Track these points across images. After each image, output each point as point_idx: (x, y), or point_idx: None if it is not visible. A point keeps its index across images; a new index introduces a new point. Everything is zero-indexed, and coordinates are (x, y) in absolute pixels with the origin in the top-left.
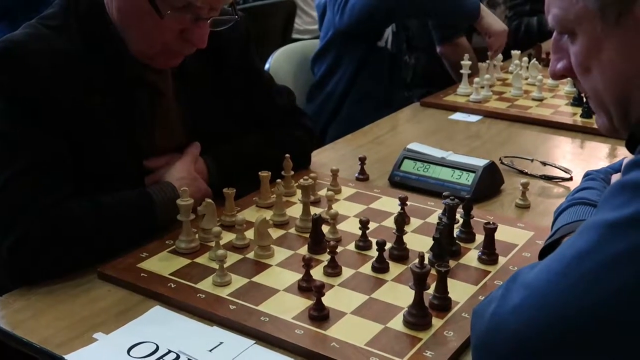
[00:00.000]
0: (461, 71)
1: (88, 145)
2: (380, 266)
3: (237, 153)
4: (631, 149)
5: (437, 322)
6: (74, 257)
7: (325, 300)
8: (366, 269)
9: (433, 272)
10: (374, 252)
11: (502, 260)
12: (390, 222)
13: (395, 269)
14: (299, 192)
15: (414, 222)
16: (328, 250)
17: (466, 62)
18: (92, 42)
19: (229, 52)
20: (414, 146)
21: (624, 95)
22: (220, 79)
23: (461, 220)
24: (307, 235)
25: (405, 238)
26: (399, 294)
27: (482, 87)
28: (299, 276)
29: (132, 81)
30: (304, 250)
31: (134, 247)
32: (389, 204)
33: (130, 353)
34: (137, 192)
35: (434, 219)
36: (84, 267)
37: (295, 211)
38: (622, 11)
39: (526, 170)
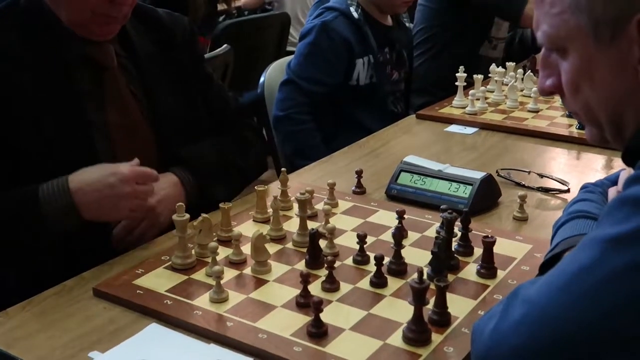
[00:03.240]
0: (456, 83)
1: (31, 128)
2: (379, 281)
3: (208, 163)
4: (628, 162)
5: (436, 338)
6: None
7: (324, 316)
8: (364, 284)
9: (432, 286)
10: (372, 267)
11: (501, 274)
12: (387, 236)
13: (393, 283)
14: (295, 206)
15: (412, 235)
16: (326, 265)
17: (461, 75)
18: (29, 28)
19: (174, 39)
20: (411, 159)
21: (617, 112)
22: (169, 65)
23: (459, 234)
24: (305, 250)
25: (403, 252)
26: (397, 310)
27: (478, 99)
28: (297, 292)
29: (72, 58)
30: (301, 266)
31: (33, 255)
32: (386, 217)
33: None
34: (27, 188)
35: (431, 232)
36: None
37: (292, 226)
38: (616, 30)
39: (523, 183)
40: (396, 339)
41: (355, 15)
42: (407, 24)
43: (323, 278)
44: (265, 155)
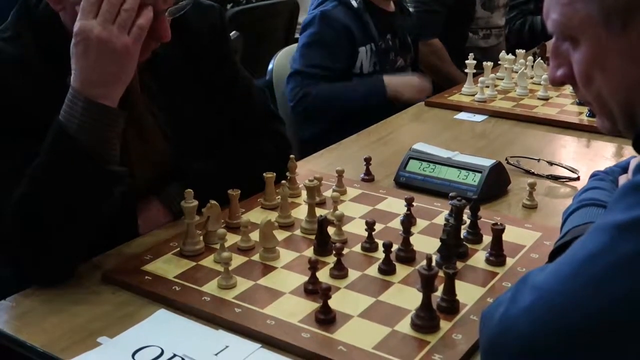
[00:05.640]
0: (466, 70)
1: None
2: (387, 268)
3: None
4: (639, 150)
5: (445, 325)
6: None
7: (332, 303)
8: (373, 271)
9: (440, 274)
10: (380, 254)
11: (510, 261)
12: (396, 223)
13: (402, 270)
14: (304, 193)
15: (420, 223)
16: (334, 252)
17: (471, 62)
18: (47, 42)
19: (201, 42)
20: (420, 146)
21: (630, 102)
22: (195, 73)
23: (468, 221)
24: (313, 237)
25: (412, 239)
26: (406, 297)
27: (487, 87)
28: (305, 278)
29: None
30: (309, 252)
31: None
32: (395, 204)
33: (135, 357)
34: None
35: (440, 219)
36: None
37: (300, 212)
38: (627, 19)
39: (533, 170)
40: (404, 326)
41: (355, 4)
42: (410, 9)
43: (331, 265)
44: (285, 163)
